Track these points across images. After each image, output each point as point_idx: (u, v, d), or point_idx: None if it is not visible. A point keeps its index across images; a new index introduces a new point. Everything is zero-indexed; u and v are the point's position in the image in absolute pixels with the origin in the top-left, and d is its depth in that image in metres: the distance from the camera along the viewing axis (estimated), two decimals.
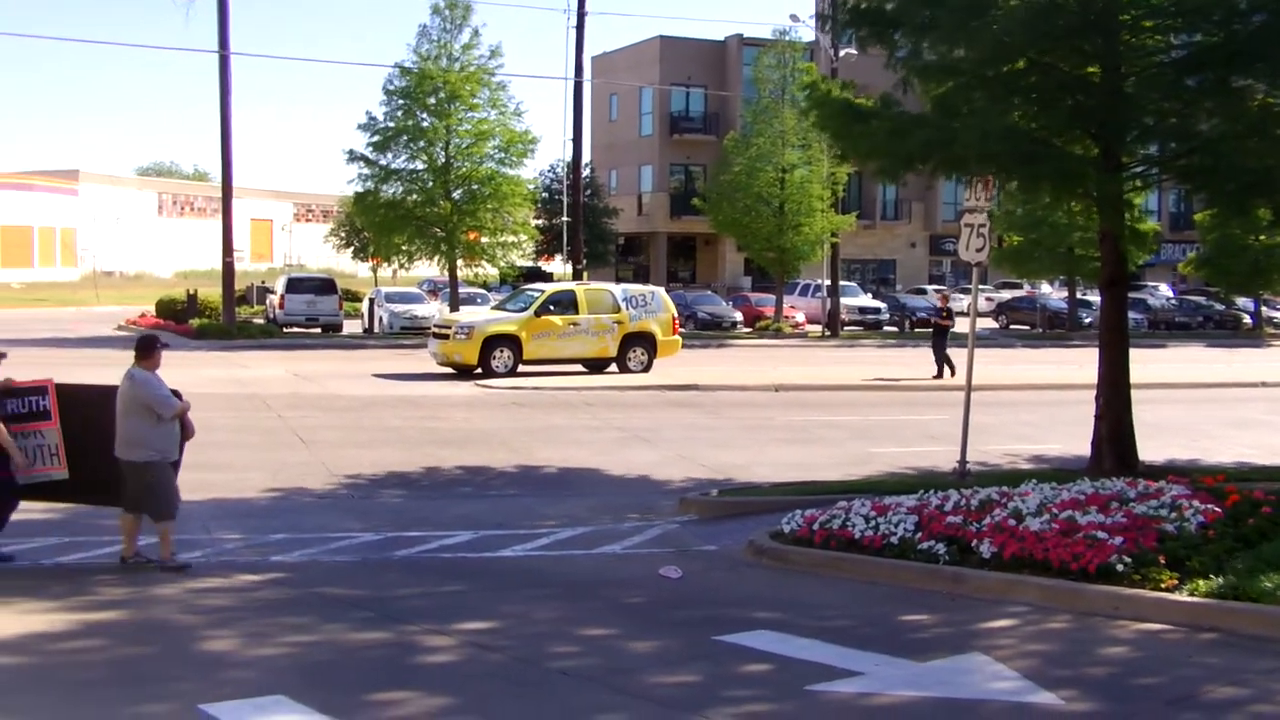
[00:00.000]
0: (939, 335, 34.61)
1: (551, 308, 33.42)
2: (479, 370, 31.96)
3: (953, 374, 32.81)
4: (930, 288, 71.87)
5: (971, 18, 16.32)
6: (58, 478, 12.88)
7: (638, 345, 33.88)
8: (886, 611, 11.09)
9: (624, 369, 33.40)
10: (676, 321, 35.58)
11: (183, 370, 29.98)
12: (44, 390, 12.93)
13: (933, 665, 9.19)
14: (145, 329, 45.71)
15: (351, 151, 46.15)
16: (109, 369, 14.40)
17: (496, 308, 37.03)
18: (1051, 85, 17.40)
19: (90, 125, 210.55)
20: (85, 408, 13.00)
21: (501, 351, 32.32)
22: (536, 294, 34.63)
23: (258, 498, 16.59)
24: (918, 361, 40.18)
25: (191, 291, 50.93)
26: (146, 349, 12.71)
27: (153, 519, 12.61)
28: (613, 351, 33.50)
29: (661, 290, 36.86)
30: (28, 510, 14.70)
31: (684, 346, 40.32)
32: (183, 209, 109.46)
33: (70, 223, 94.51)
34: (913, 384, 32.72)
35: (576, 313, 33.44)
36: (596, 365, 33.71)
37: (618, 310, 33.80)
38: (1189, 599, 10.53)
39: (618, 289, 35.84)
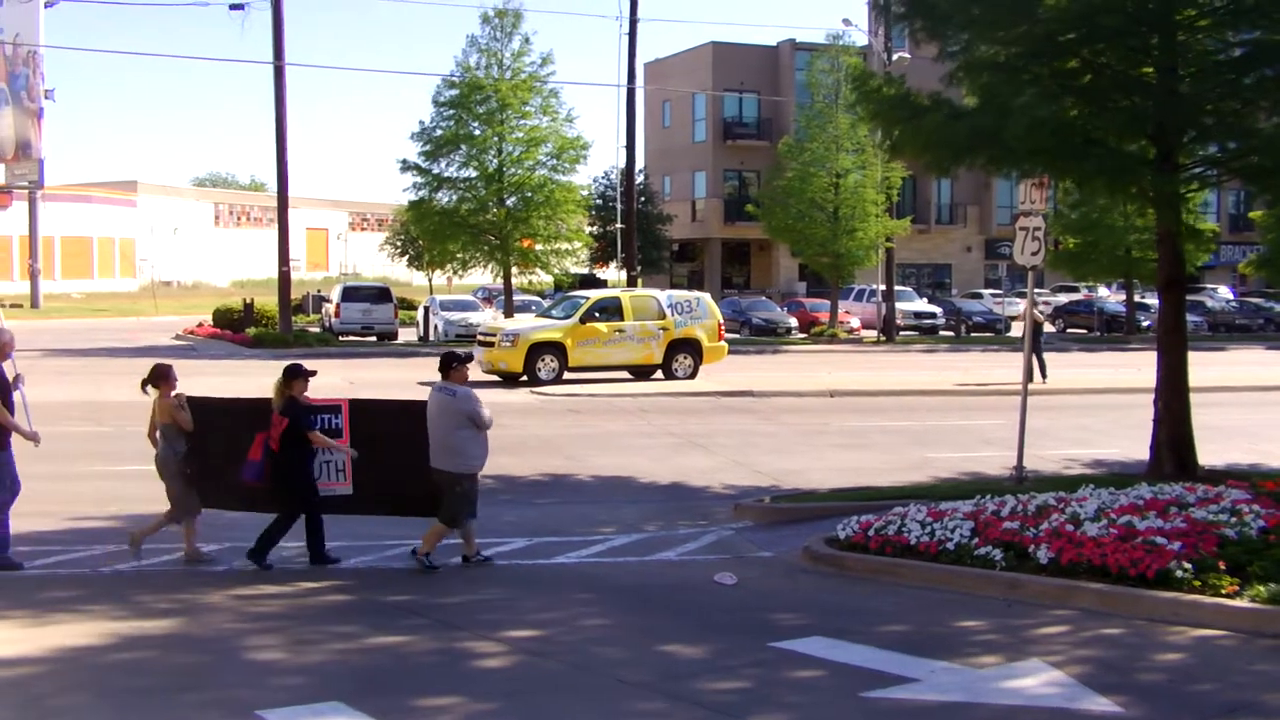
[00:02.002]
0: (1035, 337, 34.11)
1: (597, 315, 33.40)
2: (524, 378, 31.98)
3: (1044, 379, 32.56)
4: (987, 292, 71.42)
5: (1021, 14, 16.22)
6: (342, 493, 13.57)
7: (683, 352, 33.75)
8: (942, 617, 11.02)
9: (669, 375, 33.30)
10: (722, 327, 35.44)
11: (240, 379, 30.20)
12: (338, 409, 13.66)
13: (988, 671, 9.13)
14: (229, 339, 46.24)
15: (404, 161, 46.47)
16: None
17: (542, 315, 37.03)
18: (1105, 86, 17.26)
19: (148, 137, 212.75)
20: (379, 423, 13.75)
21: (547, 359, 32.31)
22: (582, 301, 34.59)
23: None
24: (978, 365, 39.97)
25: (248, 301, 51.30)
26: (452, 364, 13.45)
27: (442, 522, 13.19)
28: (658, 358, 33.42)
29: (707, 296, 36.74)
30: (85, 518, 14.89)
31: (739, 352, 40.31)
32: (239, 219, 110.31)
33: (129, 233, 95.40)
34: (999, 388, 32.26)
35: (621, 319, 33.37)
36: (642, 372, 33.62)
37: (663, 317, 33.71)
38: (1249, 605, 10.39)
39: (663, 295, 35.75)
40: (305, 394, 13.42)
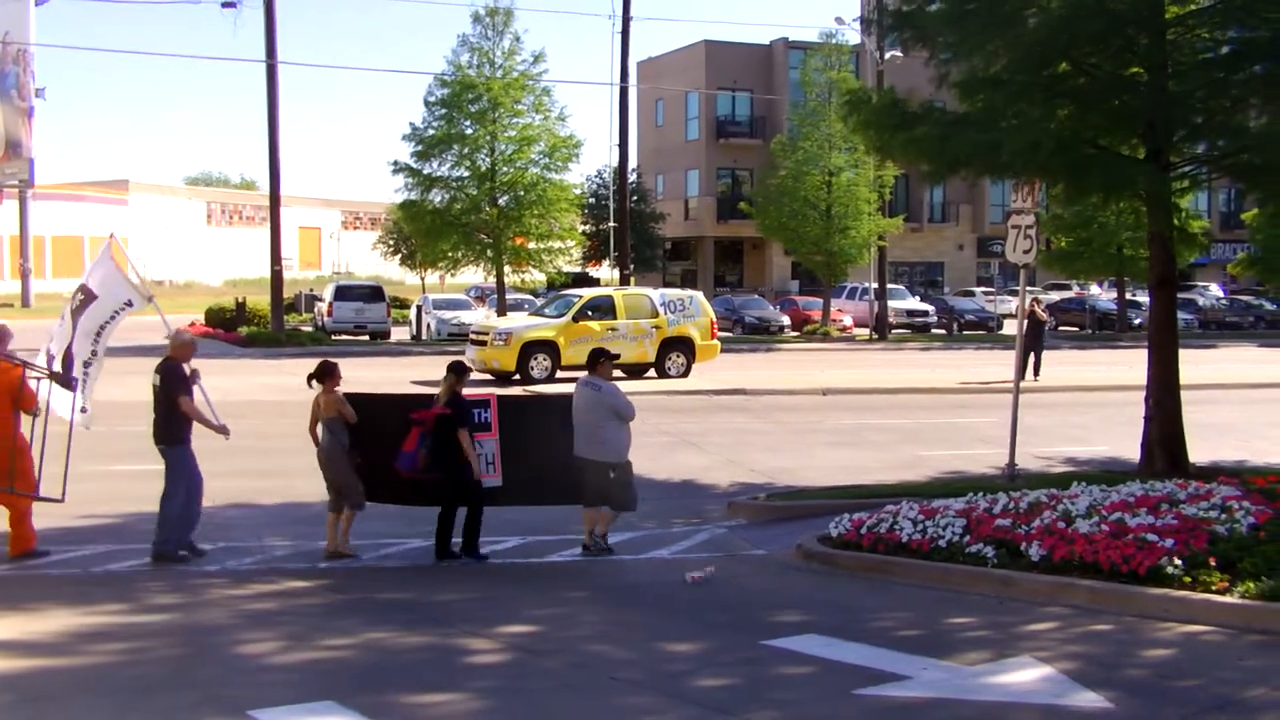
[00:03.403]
0: (1036, 335, 34.13)
1: (590, 313, 33.39)
2: (517, 376, 31.97)
3: (1035, 376, 32.67)
4: (979, 290, 71.50)
5: (1007, 23, 16.27)
6: (493, 485, 13.99)
7: (676, 350, 33.76)
8: (934, 615, 11.05)
9: (662, 374, 33.29)
10: (715, 326, 35.45)
11: (233, 378, 30.22)
12: (487, 404, 14.20)
13: (979, 668, 9.16)
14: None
15: (396, 162, 46.43)
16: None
17: (535, 313, 37.01)
18: (1095, 87, 17.30)
19: (139, 136, 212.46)
20: (525, 416, 14.56)
21: (540, 357, 32.30)
22: (575, 299, 34.59)
23: (307, 504, 16.65)
24: (971, 363, 40.03)
25: (240, 300, 51.27)
26: (600, 360, 14.31)
27: (615, 509, 14.00)
28: (651, 356, 33.42)
29: (700, 295, 36.74)
30: (80, 517, 14.88)
31: (732, 351, 40.28)
32: (231, 218, 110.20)
33: (120, 232, 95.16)
34: (996, 386, 32.33)
35: (615, 318, 33.37)
36: (635, 370, 33.57)
37: (656, 315, 33.71)
38: (1239, 601, 10.44)
39: (656, 294, 35.73)
40: (462, 389, 13.90)
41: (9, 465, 13.22)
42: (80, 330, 14.60)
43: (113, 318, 14.84)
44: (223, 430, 13.76)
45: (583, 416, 13.85)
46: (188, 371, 13.72)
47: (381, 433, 13.85)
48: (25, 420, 13.76)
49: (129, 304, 14.87)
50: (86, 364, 14.64)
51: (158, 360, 13.93)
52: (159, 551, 13.48)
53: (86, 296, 14.70)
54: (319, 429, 13.90)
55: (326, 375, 13.81)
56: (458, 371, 13.90)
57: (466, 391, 14.05)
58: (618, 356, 14.34)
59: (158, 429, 13.64)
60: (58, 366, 14.42)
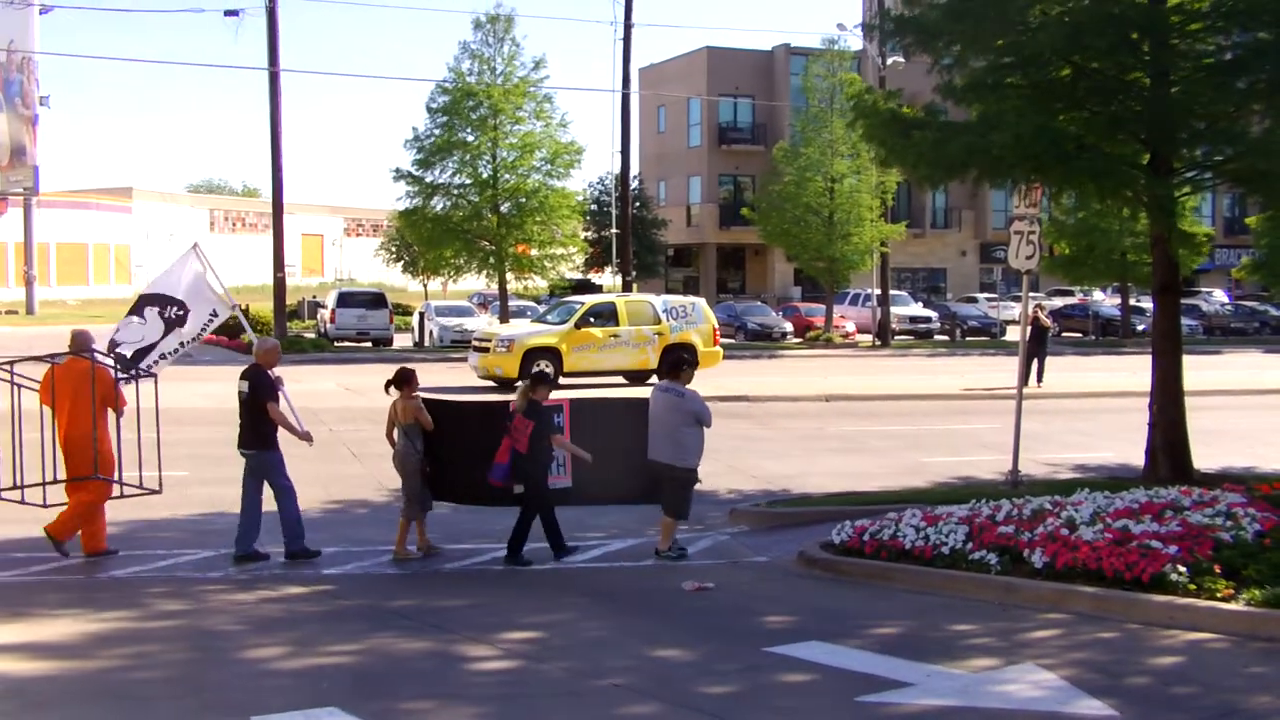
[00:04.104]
0: (1040, 341, 34.16)
1: (592, 320, 33.40)
2: (520, 383, 31.88)
3: (1039, 382, 32.71)
4: (981, 296, 71.47)
5: (1009, 27, 16.27)
6: (563, 487, 14.53)
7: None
8: (937, 621, 11.03)
9: None
10: (717, 332, 35.44)
11: (235, 384, 30.17)
12: (559, 408, 14.62)
13: (982, 675, 9.15)
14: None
15: (398, 170, 46.47)
16: (177, 384, 14.53)
17: (537, 320, 37.00)
18: (1097, 91, 17.28)
19: (143, 143, 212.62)
20: (597, 419, 14.91)
21: (542, 364, 32.25)
22: (577, 306, 34.58)
23: (310, 510, 16.61)
24: (974, 369, 40.00)
25: (243, 307, 51.05)
26: (680, 366, 14.61)
27: (669, 514, 14.21)
28: (653, 363, 33.35)
29: (702, 301, 36.73)
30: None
31: (734, 357, 40.28)
32: (234, 225, 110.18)
33: (124, 240, 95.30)
34: (999, 393, 32.30)
35: (617, 324, 33.38)
36: (637, 377, 33.56)
37: (658, 322, 33.70)
38: (1244, 608, 10.41)
39: (658, 300, 35.73)
40: (546, 399, 14.21)
41: (93, 462, 13.50)
42: (170, 339, 15.07)
43: (201, 330, 15.43)
44: (306, 437, 14.15)
45: (662, 421, 14.13)
46: (274, 377, 13.99)
47: (459, 437, 14.36)
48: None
49: (214, 315, 15.39)
50: (161, 356, 15.11)
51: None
52: (293, 551, 13.83)
53: (183, 311, 15.14)
54: (395, 433, 14.26)
55: (404, 382, 14.17)
56: (535, 380, 14.32)
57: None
58: (697, 363, 14.71)
59: (245, 434, 13.94)
60: (125, 352, 14.85)
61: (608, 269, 66.04)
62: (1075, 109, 17.37)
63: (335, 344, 46.90)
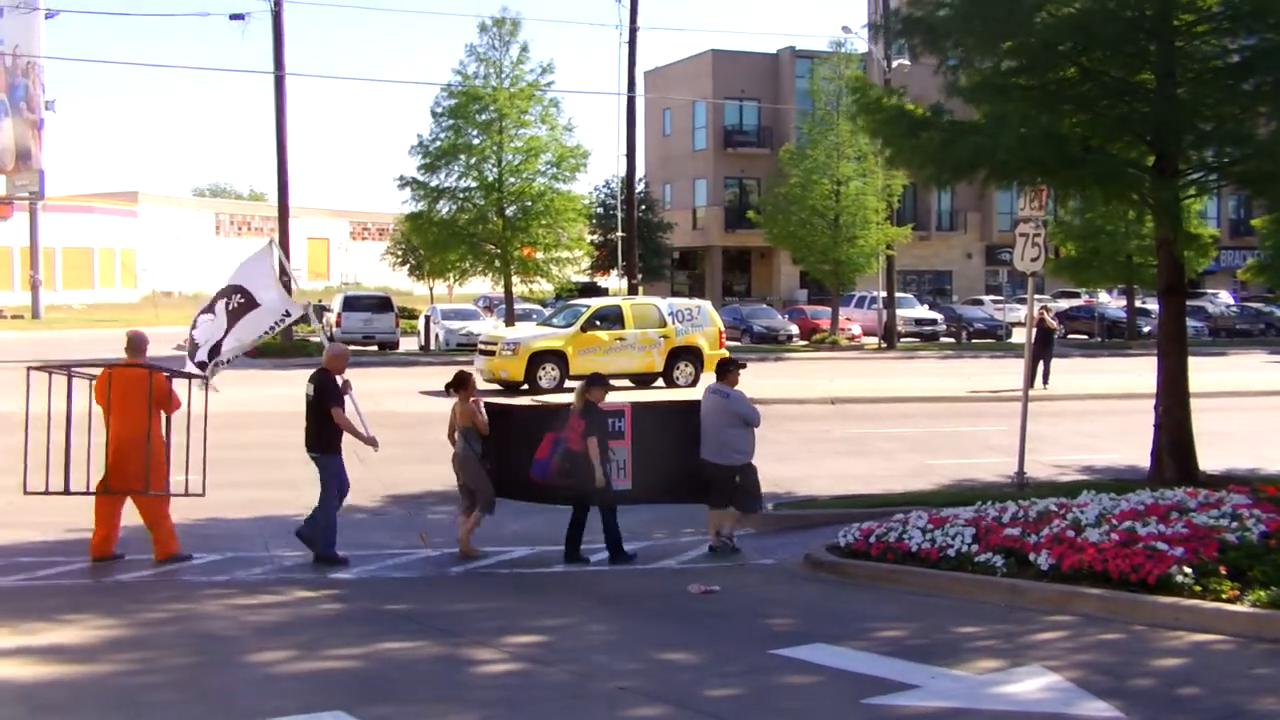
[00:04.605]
0: (1046, 343, 34.11)
1: (598, 323, 33.42)
2: (525, 386, 31.97)
3: (1045, 384, 32.71)
4: (988, 298, 71.40)
5: (1017, 27, 16.27)
6: (622, 489, 14.75)
7: (684, 359, 33.79)
8: (943, 624, 11.03)
9: (670, 384, 33.25)
10: (723, 335, 35.44)
11: (243, 388, 30.18)
12: (621, 413, 15.10)
13: (988, 677, 9.14)
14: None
15: (402, 177, 46.50)
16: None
17: (543, 323, 37.02)
18: (1103, 92, 17.28)
19: (148, 147, 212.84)
20: (656, 422, 15.37)
21: (548, 367, 32.32)
22: (583, 309, 34.60)
23: None
24: (980, 372, 39.97)
25: (319, 302, 51.09)
26: (729, 369, 14.96)
27: (741, 511, 14.75)
28: (659, 366, 33.40)
29: (708, 304, 36.75)
30: (86, 530, 14.88)
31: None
32: (240, 229, 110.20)
33: (130, 244, 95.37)
34: (1005, 395, 32.28)
35: (623, 327, 33.40)
36: (643, 380, 33.58)
37: (664, 325, 33.72)
38: (1249, 609, 10.41)
39: (664, 303, 35.75)
40: (602, 401, 14.49)
41: (144, 468, 13.56)
42: (234, 334, 15.13)
43: (271, 327, 15.60)
44: (371, 442, 14.34)
45: (710, 422, 14.52)
46: (340, 382, 14.19)
47: (519, 438, 14.78)
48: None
49: (288, 314, 15.55)
50: (226, 362, 15.30)
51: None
52: (321, 555, 13.94)
53: (247, 301, 15.19)
54: (456, 435, 14.52)
55: (462, 385, 14.58)
56: (590, 383, 14.53)
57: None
58: (744, 366, 15.02)
59: (310, 437, 14.16)
60: (203, 356, 15.06)
61: (613, 272, 66.06)
62: (1082, 110, 17.37)
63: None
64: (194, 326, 15.53)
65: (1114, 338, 57.69)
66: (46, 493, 13.88)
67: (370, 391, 31.38)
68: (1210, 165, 18.02)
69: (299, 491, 17.33)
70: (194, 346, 15.33)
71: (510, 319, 46.86)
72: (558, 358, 32.47)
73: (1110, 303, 65.33)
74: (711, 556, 14.47)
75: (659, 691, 8.90)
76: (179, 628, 11.19)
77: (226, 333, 15.10)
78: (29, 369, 14.08)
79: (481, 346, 34.31)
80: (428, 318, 50.76)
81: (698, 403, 15.01)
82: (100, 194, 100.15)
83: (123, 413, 13.78)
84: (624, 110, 50.23)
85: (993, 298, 71.24)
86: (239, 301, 15.11)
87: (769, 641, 10.32)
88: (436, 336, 48.57)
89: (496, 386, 32.33)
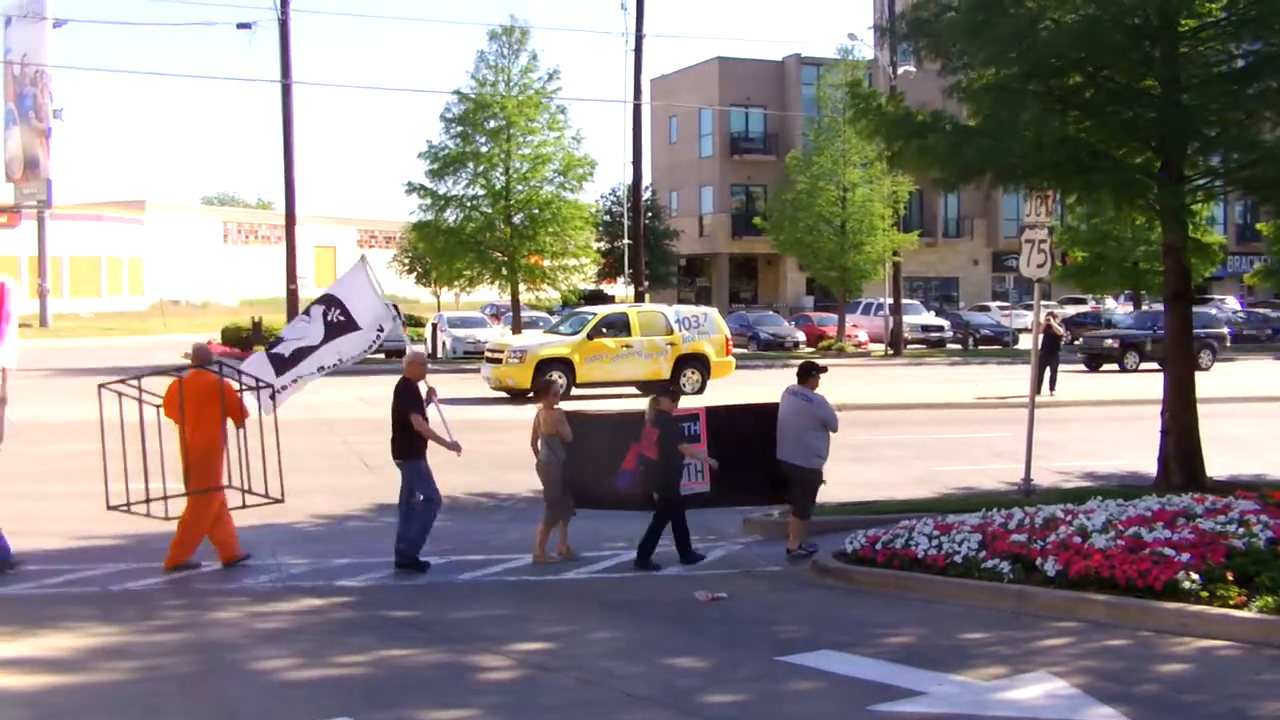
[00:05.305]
0: (1053, 350, 34.07)
1: (604, 330, 33.43)
2: (532, 394, 31.94)
3: (1051, 390, 32.71)
4: (994, 304, 71.38)
5: (1021, 33, 16.29)
6: (701, 491, 15.20)
7: (691, 367, 33.78)
8: (950, 630, 11.02)
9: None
10: (730, 342, 35.44)
11: (251, 395, 30.22)
12: (696, 417, 15.49)
13: (994, 683, 9.15)
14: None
15: (410, 183, 46.58)
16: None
17: (550, 331, 37.05)
18: (1108, 98, 17.28)
19: (156, 156, 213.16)
20: (732, 426, 15.60)
21: (555, 375, 32.28)
22: (589, 317, 34.62)
23: (325, 522, 16.71)
24: (987, 378, 39.96)
25: (256, 319, 51.31)
26: (811, 372, 15.17)
27: (795, 515, 14.86)
28: (666, 373, 33.40)
29: (714, 311, 36.76)
30: (96, 536, 14.94)
31: (746, 367, 40.24)
32: (247, 237, 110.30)
33: (137, 252, 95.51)
34: (1012, 401, 32.31)
35: (629, 335, 33.41)
36: (650, 387, 33.52)
37: (670, 332, 33.73)
38: (1256, 615, 10.40)
39: (670, 310, 35.76)
40: (674, 410, 14.78)
41: (219, 468, 13.83)
42: (331, 347, 15.26)
43: (368, 346, 15.67)
44: (454, 447, 14.44)
45: (791, 424, 14.76)
46: (423, 390, 14.36)
47: (596, 446, 14.98)
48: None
49: (381, 329, 15.58)
50: (311, 372, 15.39)
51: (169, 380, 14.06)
52: (404, 560, 14.05)
53: (347, 321, 15.31)
54: (539, 443, 14.75)
55: (544, 392, 15.04)
56: (664, 392, 14.91)
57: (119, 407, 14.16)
58: (825, 370, 15.16)
59: (394, 444, 14.29)
60: (281, 350, 15.25)
61: (620, 280, 66.08)
62: (1086, 116, 17.37)
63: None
64: (289, 326, 15.71)
65: None
66: (128, 507, 14.04)
67: (377, 398, 31.44)
68: (1216, 171, 18.02)
69: (304, 499, 17.39)
70: (276, 339, 15.57)
71: (517, 327, 46.91)
72: (565, 365, 32.45)
73: (1117, 308, 65.24)
74: (790, 560, 14.55)
75: (665, 698, 8.91)
76: (186, 635, 11.21)
77: (322, 343, 15.25)
78: (100, 387, 14.10)
79: (488, 354, 34.32)
80: (435, 325, 50.79)
81: (772, 405, 15.26)
82: (108, 202, 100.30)
83: (193, 421, 13.96)
84: (630, 118, 50.36)
85: (999, 304, 71.27)
86: (338, 317, 15.28)
87: (776, 648, 10.33)
88: (444, 344, 48.59)
89: (503, 394, 32.35)
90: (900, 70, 47.16)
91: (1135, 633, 10.58)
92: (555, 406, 14.77)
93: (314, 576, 13.80)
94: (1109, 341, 45.88)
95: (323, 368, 15.38)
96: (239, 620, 11.80)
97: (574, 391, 32.01)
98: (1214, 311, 58.12)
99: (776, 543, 15.64)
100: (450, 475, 20.54)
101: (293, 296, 45.66)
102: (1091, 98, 17.32)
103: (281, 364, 15.17)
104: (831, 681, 9.32)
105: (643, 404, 15.14)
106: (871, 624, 11.44)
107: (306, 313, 15.58)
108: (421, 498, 14.21)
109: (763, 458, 14.97)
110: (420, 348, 15.63)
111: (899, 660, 9.89)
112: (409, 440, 14.15)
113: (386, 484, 19.08)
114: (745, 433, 15.49)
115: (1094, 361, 44.94)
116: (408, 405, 14.14)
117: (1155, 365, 42.75)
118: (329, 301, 15.40)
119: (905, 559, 12.96)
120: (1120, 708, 8.41)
